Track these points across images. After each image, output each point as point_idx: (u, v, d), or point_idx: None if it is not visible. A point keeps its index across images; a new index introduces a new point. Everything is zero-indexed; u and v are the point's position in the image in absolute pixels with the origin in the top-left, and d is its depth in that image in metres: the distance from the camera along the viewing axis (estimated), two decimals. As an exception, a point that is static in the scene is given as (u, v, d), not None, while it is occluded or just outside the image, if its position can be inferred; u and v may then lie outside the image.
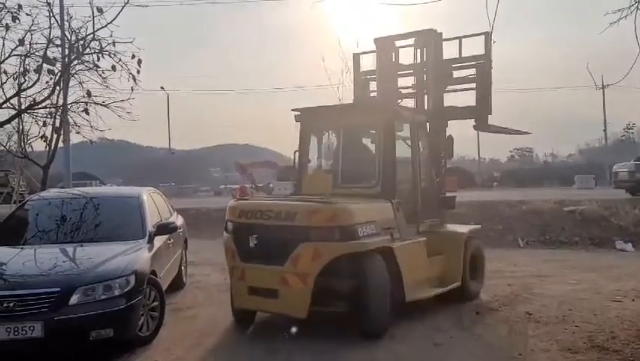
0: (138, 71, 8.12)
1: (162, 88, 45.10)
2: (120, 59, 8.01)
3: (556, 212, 13.98)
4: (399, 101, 7.45)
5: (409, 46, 7.43)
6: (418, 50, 7.30)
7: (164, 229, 6.26)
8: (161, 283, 5.71)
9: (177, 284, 7.50)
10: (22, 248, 5.63)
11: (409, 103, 7.47)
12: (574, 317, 6.00)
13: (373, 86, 7.68)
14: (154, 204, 6.91)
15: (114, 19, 7.81)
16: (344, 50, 18.56)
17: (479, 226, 8.15)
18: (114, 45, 7.95)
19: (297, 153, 6.61)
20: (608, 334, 5.36)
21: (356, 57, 7.88)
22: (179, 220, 7.95)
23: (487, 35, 6.88)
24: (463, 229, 7.10)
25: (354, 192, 6.05)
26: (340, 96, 18.34)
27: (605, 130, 45.37)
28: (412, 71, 7.55)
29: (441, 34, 7.12)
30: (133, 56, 7.96)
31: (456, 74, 7.28)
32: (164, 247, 6.34)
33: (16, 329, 4.33)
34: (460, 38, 7.17)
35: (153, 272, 5.48)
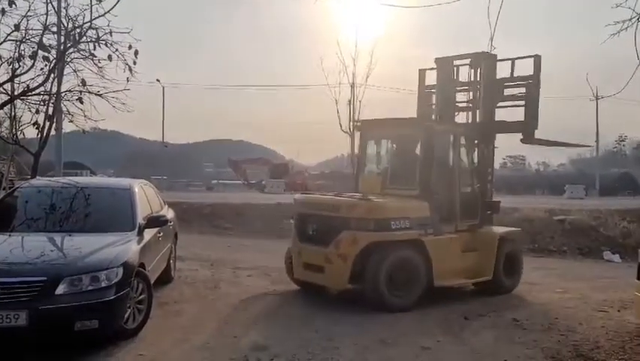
0: (135, 62, 8.03)
1: (158, 80, 44.79)
2: (117, 49, 7.91)
3: (546, 221, 14.09)
4: (455, 114, 8.44)
5: (466, 65, 8.28)
6: (473, 69, 8.20)
7: (155, 221, 6.22)
8: (149, 276, 5.66)
9: (165, 278, 7.46)
10: (9, 235, 5.55)
11: (464, 116, 8.45)
12: (560, 326, 6.05)
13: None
14: (145, 197, 6.85)
15: (112, 8, 7.71)
16: (342, 51, 18.69)
17: (519, 229, 8.83)
18: (111, 35, 7.84)
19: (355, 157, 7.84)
20: (593, 343, 5.41)
21: (421, 73, 8.80)
22: (169, 214, 7.90)
23: (537, 58, 7.80)
24: (499, 230, 7.93)
25: (399, 192, 7.19)
26: (337, 97, 18.48)
27: (597, 141, 45.67)
28: (467, 87, 8.41)
29: (495, 55, 7.81)
30: (130, 47, 7.87)
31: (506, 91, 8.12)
32: (154, 240, 6.29)
33: (0, 317, 4.27)
34: (512, 60, 8.05)
35: (142, 265, 5.43)
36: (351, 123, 18.36)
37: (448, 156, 7.57)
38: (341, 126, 18.43)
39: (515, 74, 8.07)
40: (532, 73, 7.84)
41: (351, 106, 18.44)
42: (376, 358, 4.89)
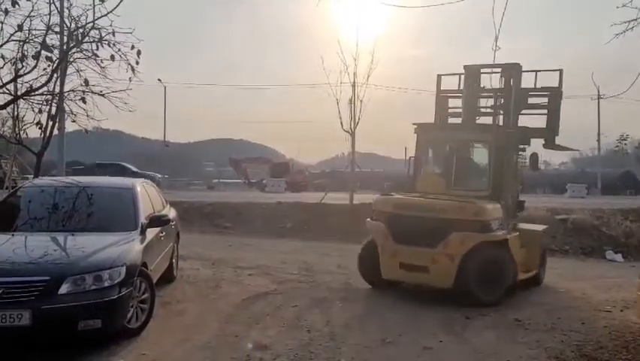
0: (137, 62, 8.05)
1: (160, 80, 44.99)
2: (119, 49, 7.94)
3: (548, 220, 14.04)
4: (477, 119, 8.88)
5: (493, 73, 8.81)
6: (504, 78, 8.66)
7: (157, 221, 6.23)
8: (151, 275, 5.68)
9: (167, 277, 7.46)
10: (12, 235, 5.56)
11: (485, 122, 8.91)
12: (563, 326, 6.04)
13: (450, 102, 9.18)
14: (147, 196, 6.86)
15: (114, 8, 7.72)
16: (343, 50, 18.63)
17: (547, 225, 9.78)
18: (114, 35, 7.86)
19: (412, 159, 8.17)
20: (596, 343, 5.40)
21: (439, 78, 9.22)
22: (171, 213, 7.91)
23: (560, 72, 8.50)
24: (538, 227, 8.66)
25: (464, 193, 7.47)
26: (338, 96, 18.43)
27: (598, 140, 45.55)
28: (491, 94, 8.91)
29: (521, 66, 8.48)
30: (132, 47, 7.88)
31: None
32: (156, 239, 6.30)
33: (3, 317, 4.28)
34: (536, 72, 8.69)
35: (144, 264, 5.45)
36: (352, 123, 18.25)
37: (511, 160, 8.04)
38: (342, 125, 18.34)
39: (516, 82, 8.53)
40: (556, 85, 8.54)
41: (353, 105, 18.33)
42: (378, 358, 4.89)
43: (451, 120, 9.20)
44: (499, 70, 8.77)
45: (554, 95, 8.56)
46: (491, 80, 8.91)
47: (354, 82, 18.52)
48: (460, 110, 9.20)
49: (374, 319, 6.13)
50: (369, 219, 7.72)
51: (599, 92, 40.50)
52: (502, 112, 8.82)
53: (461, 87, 9.22)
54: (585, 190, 33.72)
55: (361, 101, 18.13)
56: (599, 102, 42.83)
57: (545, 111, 8.58)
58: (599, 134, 44.77)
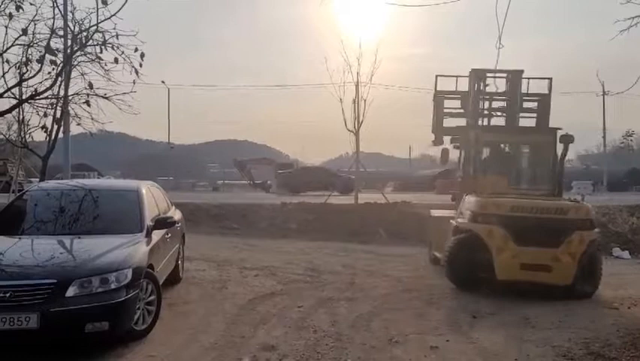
0: (140, 65, 8.10)
1: (163, 82, 45.09)
2: (123, 52, 7.99)
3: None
4: (479, 120, 9.63)
5: (496, 77, 9.73)
6: (509, 82, 9.59)
7: (163, 223, 6.24)
8: (158, 277, 5.69)
9: (174, 279, 7.48)
10: (19, 238, 5.60)
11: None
12: (570, 323, 6.01)
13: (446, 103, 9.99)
14: (152, 198, 6.88)
15: (118, 11, 7.77)
16: (346, 50, 18.65)
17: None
18: (117, 38, 7.91)
19: (462, 160, 8.76)
20: (604, 341, 5.37)
21: (436, 79, 9.98)
22: (177, 215, 7.93)
23: (550, 80, 9.55)
24: None
25: (526, 192, 8.14)
26: (342, 96, 18.45)
27: (604, 137, 45.38)
28: (489, 97, 9.73)
29: (522, 71, 9.49)
30: (136, 49, 7.93)
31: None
32: (162, 241, 6.32)
33: (11, 320, 4.30)
34: (528, 79, 9.69)
35: (150, 266, 5.46)
36: (355, 122, 18.24)
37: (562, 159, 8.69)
38: (346, 125, 18.34)
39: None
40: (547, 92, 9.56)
41: (356, 105, 18.33)
42: (384, 357, 4.88)
43: (450, 120, 9.95)
44: (503, 75, 9.55)
45: (545, 100, 9.57)
46: (495, 83, 9.70)
47: (357, 82, 18.55)
48: (456, 110, 10.04)
49: (380, 319, 6.11)
50: (463, 220, 7.89)
51: (604, 88, 40.39)
52: (501, 114, 9.75)
53: (459, 89, 9.95)
54: (591, 187, 33.58)
55: (365, 100, 18.16)
56: (604, 99, 42.71)
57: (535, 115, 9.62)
58: (604, 131, 44.64)
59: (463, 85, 9.93)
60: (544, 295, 7.59)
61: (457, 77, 9.92)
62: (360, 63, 18.38)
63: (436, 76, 9.95)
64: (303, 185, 29.28)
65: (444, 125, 9.96)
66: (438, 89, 10.04)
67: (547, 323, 6.03)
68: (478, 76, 9.45)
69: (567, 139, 8.37)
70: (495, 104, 9.98)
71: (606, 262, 11.14)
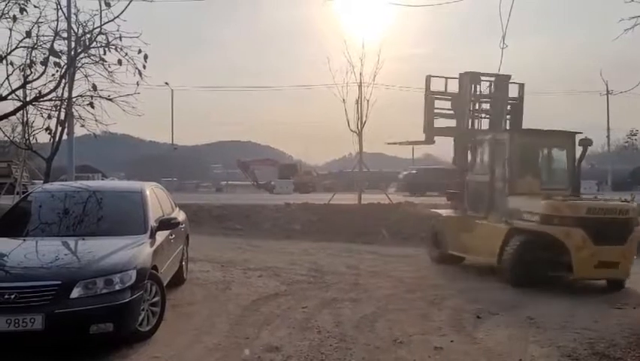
0: (144, 66, 8.12)
1: (167, 83, 45.25)
2: (126, 54, 8.02)
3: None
4: (469, 121, 10.12)
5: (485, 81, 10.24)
6: (495, 86, 10.16)
7: (166, 224, 6.25)
8: (162, 278, 5.70)
9: (178, 280, 7.49)
10: (24, 240, 5.63)
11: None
12: (575, 323, 5.99)
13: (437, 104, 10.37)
14: (156, 199, 6.89)
15: (121, 13, 7.81)
16: (349, 50, 18.65)
17: None
18: (121, 39, 7.95)
19: (506, 162, 8.86)
20: (609, 341, 5.35)
21: (428, 79, 10.33)
22: (181, 216, 7.94)
23: (521, 85, 10.33)
24: None
25: (549, 192, 8.51)
26: (344, 96, 18.44)
27: (608, 136, 45.24)
28: (472, 99, 10.15)
29: (510, 77, 10.18)
30: (139, 51, 7.96)
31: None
32: (166, 242, 6.33)
33: (16, 321, 4.32)
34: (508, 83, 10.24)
35: (154, 267, 5.47)
36: (358, 123, 18.23)
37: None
38: (349, 126, 18.32)
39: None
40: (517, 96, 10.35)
41: (359, 105, 18.32)
42: (388, 358, 4.87)
43: (440, 121, 10.39)
44: (492, 78, 10.04)
45: (517, 104, 10.37)
46: (491, 86, 10.25)
47: (360, 82, 18.54)
48: (446, 111, 10.39)
49: (384, 319, 6.11)
50: (528, 222, 8.13)
51: (607, 87, 40.27)
52: (487, 116, 10.32)
53: (449, 90, 10.35)
54: (595, 187, 33.45)
55: (367, 101, 18.15)
56: (608, 98, 42.57)
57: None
58: (608, 130, 44.51)
59: (454, 86, 10.33)
60: (548, 294, 7.58)
61: (446, 78, 10.38)
62: (363, 64, 18.38)
63: (427, 76, 10.44)
64: (426, 186, 28.80)
65: (434, 125, 10.48)
66: (431, 89, 10.40)
67: (552, 323, 6.01)
68: (472, 78, 9.94)
69: (586, 142, 8.86)
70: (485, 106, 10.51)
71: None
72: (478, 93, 10.17)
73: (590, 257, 7.69)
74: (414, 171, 35.71)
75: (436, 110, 10.32)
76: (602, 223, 7.69)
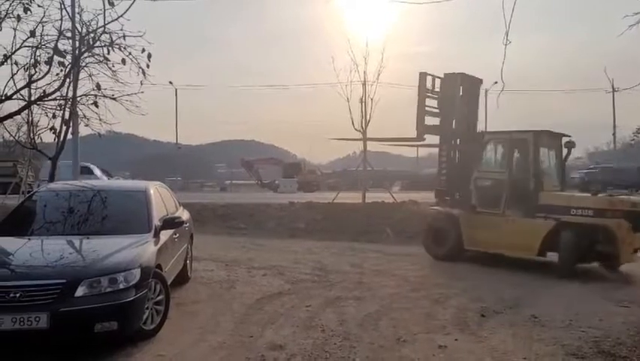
0: (148, 65, 8.13)
1: (171, 82, 45.35)
2: (130, 53, 8.03)
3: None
4: (453, 120, 10.81)
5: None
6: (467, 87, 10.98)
7: (170, 223, 6.27)
8: (166, 277, 5.71)
9: (182, 279, 7.51)
10: (29, 239, 5.65)
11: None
12: (580, 322, 5.96)
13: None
14: (160, 199, 6.91)
15: (125, 12, 7.82)
16: (353, 49, 18.63)
17: None
18: (124, 39, 7.96)
19: (532, 161, 9.57)
20: (615, 340, 5.32)
21: (422, 76, 10.84)
22: (185, 215, 7.95)
23: (480, 80, 11.30)
24: None
25: (557, 188, 9.99)
26: (348, 95, 18.42)
27: (614, 134, 44.98)
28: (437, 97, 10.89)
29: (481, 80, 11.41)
30: (143, 50, 7.97)
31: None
32: (170, 241, 6.34)
33: (21, 320, 4.33)
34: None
35: (159, 266, 5.48)
36: (362, 121, 18.20)
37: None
38: (353, 124, 18.29)
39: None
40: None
41: (363, 104, 18.29)
42: (393, 357, 4.86)
43: (428, 119, 10.92)
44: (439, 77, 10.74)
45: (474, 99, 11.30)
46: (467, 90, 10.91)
47: (364, 80, 18.51)
48: (435, 109, 10.92)
49: (388, 318, 6.10)
50: (576, 216, 8.92)
51: (613, 85, 40.06)
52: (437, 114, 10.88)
53: (436, 89, 10.90)
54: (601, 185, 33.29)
55: (372, 99, 18.12)
56: (613, 95, 42.34)
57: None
58: (614, 128, 44.26)
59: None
60: (552, 293, 7.56)
61: (434, 76, 10.87)
62: (367, 62, 18.36)
63: (421, 73, 10.92)
64: (606, 183, 28.41)
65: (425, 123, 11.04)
66: (427, 87, 10.92)
67: (557, 321, 5.99)
68: (448, 80, 10.78)
69: (570, 145, 9.89)
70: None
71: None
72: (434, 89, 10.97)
73: (630, 245, 8.72)
74: (595, 170, 35.86)
75: (426, 108, 10.85)
76: (638, 215, 8.81)
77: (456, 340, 5.34)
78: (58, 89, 8.14)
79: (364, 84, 18.46)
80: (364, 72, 18.38)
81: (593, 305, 6.79)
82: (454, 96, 10.70)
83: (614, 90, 41.43)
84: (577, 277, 8.71)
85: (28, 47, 7.80)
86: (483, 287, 7.82)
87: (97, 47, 8.26)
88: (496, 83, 9.62)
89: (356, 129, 18.32)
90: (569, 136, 10.05)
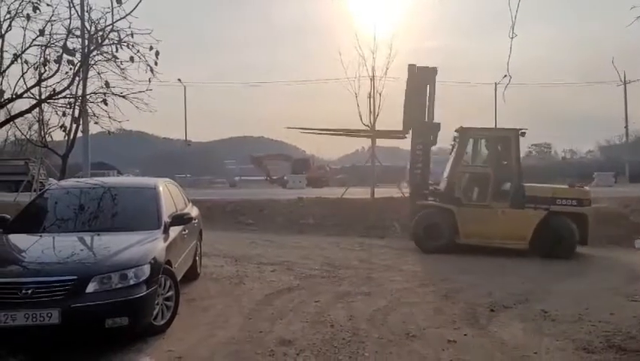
0: (156, 63, 8.16)
1: (179, 80, 45.52)
2: (138, 51, 8.06)
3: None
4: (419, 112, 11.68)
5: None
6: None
7: (180, 219, 6.30)
8: (175, 273, 5.75)
9: (191, 275, 7.56)
10: (40, 236, 5.71)
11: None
12: (590, 316, 5.93)
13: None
14: (170, 195, 6.95)
15: (132, 10, 7.84)
16: (361, 44, 18.59)
17: None
18: (132, 36, 7.98)
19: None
20: (625, 334, 5.29)
21: (411, 68, 11.72)
22: (194, 211, 7.99)
23: (434, 69, 12.04)
24: None
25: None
26: (356, 90, 18.38)
27: (626, 127, 44.44)
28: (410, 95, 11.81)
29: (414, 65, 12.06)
30: (151, 48, 7.99)
31: None
32: (179, 237, 6.38)
33: (34, 316, 4.39)
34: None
35: (168, 262, 5.52)
36: (370, 116, 18.16)
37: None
38: (361, 120, 18.25)
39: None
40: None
41: (372, 99, 18.24)
42: (402, 352, 4.86)
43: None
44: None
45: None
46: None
47: (372, 75, 18.46)
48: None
49: (397, 313, 6.10)
50: (575, 205, 10.30)
51: (625, 77, 39.58)
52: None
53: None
54: (613, 179, 32.94)
55: (380, 94, 18.07)
56: (625, 88, 41.83)
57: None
58: (626, 121, 43.74)
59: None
60: (561, 287, 7.51)
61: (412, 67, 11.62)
62: (375, 57, 18.31)
63: (410, 65, 11.71)
64: None
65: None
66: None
67: (567, 316, 5.96)
68: (413, 73, 11.65)
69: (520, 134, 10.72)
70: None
71: (627, 254, 11.00)
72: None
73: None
74: None
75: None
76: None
77: (465, 335, 5.33)
78: (67, 87, 8.20)
79: (372, 79, 18.42)
80: (372, 67, 18.34)
81: (603, 300, 6.74)
82: (408, 88, 11.68)
83: (625, 82, 40.93)
84: (587, 272, 8.67)
85: (38, 45, 7.87)
86: (492, 282, 7.79)
87: (105, 45, 8.31)
88: (505, 76, 9.47)
89: (364, 124, 18.28)
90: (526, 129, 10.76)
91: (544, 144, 69.04)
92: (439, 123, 11.74)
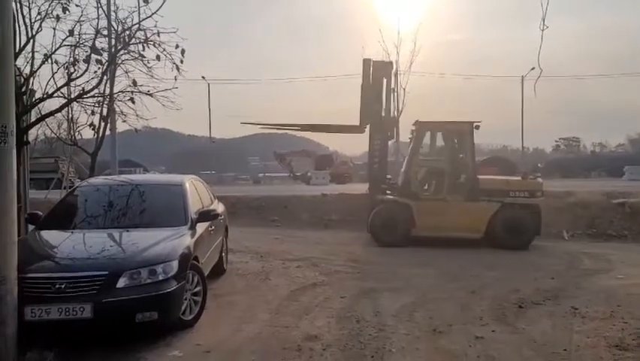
0: (182, 61, 8.24)
1: (203, 77, 45.94)
2: (164, 49, 8.15)
3: (604, 204, 13.47)
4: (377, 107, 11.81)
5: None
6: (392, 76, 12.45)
7: (206, 216, 6.38)
8: (203, 268, 5.83)
9: (218, 270, 7.65)
10: (72, 232, 5.84)
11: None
12: (622, 313, 5.80)
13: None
14: (196, 192, 7.04)
15: (158, 9, 7.92)
16: (385, 39, 18.48)
17: None
18: (159, 35, 8.07)
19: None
20: (660, 332, 5.15)
21: (366, 62, 11.78)
22: (220, 208, 8.08)
23: (390, 64, 12.78)
24: None
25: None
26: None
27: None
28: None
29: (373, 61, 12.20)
30: (177, 46, 8.08)
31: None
32: (206, 233, 6.46)
33: (67, 310, 4.51)
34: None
35: (195, 258, 5.60)
36: (395, 111, 18.02)
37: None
38: (382, 115, 18.14)
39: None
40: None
41: (396, 93, 18.12)
42: (428, 347, 4.84)
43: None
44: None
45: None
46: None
47: (396, 70, 18.32)
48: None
49: (423, 309, 6.07)
50: (527, 196, 10.55)
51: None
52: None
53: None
54: (640, 172, 32.06)
55: (404, 89, 17.96)
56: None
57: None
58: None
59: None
60: (591, 283, 7.35)
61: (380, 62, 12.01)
62: (398, 52, 18.20)
63: (365, 60, 11.81)
64: None
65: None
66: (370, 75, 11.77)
67: (599, 313, 5.84)
68: (367, 66, 11.67)
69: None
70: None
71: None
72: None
73: None
74: None
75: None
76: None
77: (493, 331, 5.27)
78: (96, 87, 8.33)
79: (396, 74, 18.28)
80: (396, 61, 18.21)
81: (635, 297, 6.58)
82: (364, 83, 11.73)
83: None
84: (612, 269, 8.46)
85: (67, 45, 8.01)
86: (518, 277, 7.68)
87: (132, 44, 8.41)
88: (533, 69, 9.41)
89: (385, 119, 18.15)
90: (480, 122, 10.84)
91: (573, 137, 67.68)
92: (396, 118, 11.89)
